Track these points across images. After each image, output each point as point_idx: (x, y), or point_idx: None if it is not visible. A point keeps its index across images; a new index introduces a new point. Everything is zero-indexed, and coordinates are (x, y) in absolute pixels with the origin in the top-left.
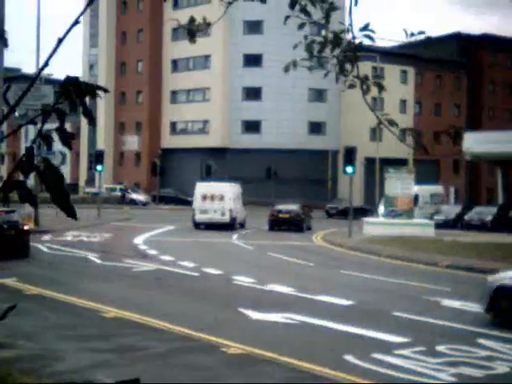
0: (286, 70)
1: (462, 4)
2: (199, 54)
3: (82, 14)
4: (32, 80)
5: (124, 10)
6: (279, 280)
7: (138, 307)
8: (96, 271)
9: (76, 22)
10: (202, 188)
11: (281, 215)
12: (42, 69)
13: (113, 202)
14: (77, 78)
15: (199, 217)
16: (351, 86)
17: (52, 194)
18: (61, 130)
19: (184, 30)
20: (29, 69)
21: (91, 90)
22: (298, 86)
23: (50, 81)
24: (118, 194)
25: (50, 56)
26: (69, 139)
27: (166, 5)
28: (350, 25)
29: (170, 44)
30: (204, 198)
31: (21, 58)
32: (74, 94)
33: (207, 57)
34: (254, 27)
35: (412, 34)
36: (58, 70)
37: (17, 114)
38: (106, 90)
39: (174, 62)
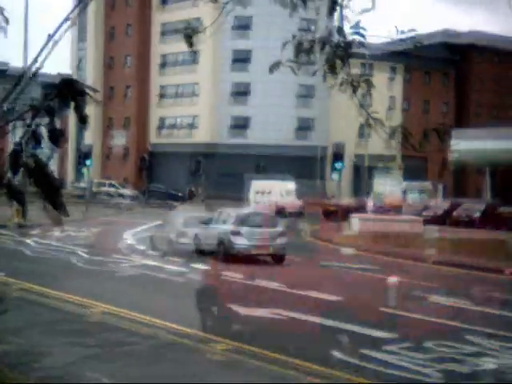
0: (271, 70)
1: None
2: (188, 50)
3: (73, 10)
4: (20, 76)
5: (113, 5)
6: (268, 276)
7: (125, 302)
8: (84, 266)
9: (67, 19)
10: (255, 185)
11: (328, 207)
12: (32, 64)
13: (101, 197)
14: (71, 79)
15: (252, 206)
16: (342, 85)
17: (42, 190)
18: (51, 128)
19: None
20: (17, 63)
21: (84, 90)
22: (287, 82)
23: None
24: (110, 189)
25: (40, 51)
26: (58, 137)
27: (155, 0)
28: (341, 23)
29: (159, 39)
30: (256, 192)
31: (9, 52)
32: (69, 94)
33: (196, 52)
34: (242, 23)
35: (402, 32)
36: (46, 65)
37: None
38: (95, 91)
39: (163, 58)
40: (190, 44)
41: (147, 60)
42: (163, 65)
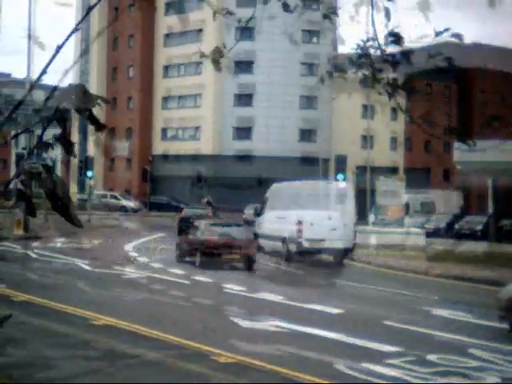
0: (322, 80)
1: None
2: (191, 61)
3: (81, 21)
4: (29, 88)
5: (116, 16)
6: (269, 288)
7: (128, 314)
8: (86, 278)
9: (75, 30)
10: None
11: None
12: (41, 76)
13: (103, 209)
14: (83, 86)
15: None
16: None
17: (53, 202)
18: (64, 139)
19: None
20: (19, 74)
21: (96, 99)
22: (289, 93)
23: (39, 86)
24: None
25: (49, 63)
26: (72, 148)
27: (158, 10)
28: (375, 35)
29: (162, 49)
30: None
31: (11, 62)
32: (81, 103)
33: (198, 63)
34: (245, 33)
35: (437, 34)
36: (48, 75)
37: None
38: (107, 101)
39: (166, 68)
40: (219, 69)
41: (150, 70)
42: (166, 75)
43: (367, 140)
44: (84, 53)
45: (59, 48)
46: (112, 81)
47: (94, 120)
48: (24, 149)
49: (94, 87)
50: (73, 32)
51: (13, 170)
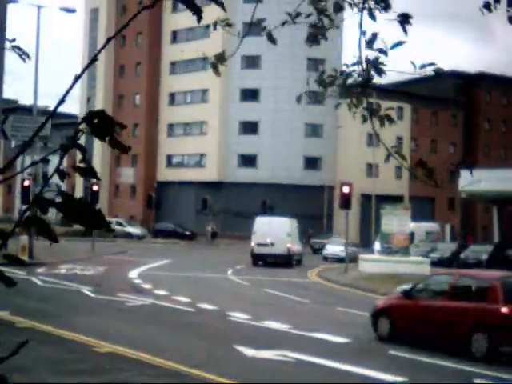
0: (298, 100)
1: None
2: (197, 88)
3: (99, 52)
4: (47, 116)
5: (123, 43)
6: (274, 316)
7: (131, 342)
8: (90, 305)
9: (94, 60)
10: None
11: None
12: (59, 105)
13: (107, 236)
14: (103, 112)
15: None
16: (364, 119)
17: (85, 225)
18: (86, 165)
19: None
20: (26, 100)
21: (116, 122)
22: (294, 120)
23: (46, 112)
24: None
25: (67, 92)
26: (95, 173)
27: (165, 39)
28: (360, 57)
29: (168, 77)
30: None
31: (18, 89)
32: (101, 128)
33: (204, 91)
34: (251, 62)
35: (423, 66)
36: (55, 102)
37: (13, 145)
38: (124, 126)
39: (172, 96)
40: (218, 73)
41: (156, 98)
42: (172, 103)
43: (372, 168)
44: (93, 59)
45: (78, 77)
46: (118, 108)
47: (117, 143)
48: (30, 175)
49: None
50: (91, 63)
51: (17, 195)
